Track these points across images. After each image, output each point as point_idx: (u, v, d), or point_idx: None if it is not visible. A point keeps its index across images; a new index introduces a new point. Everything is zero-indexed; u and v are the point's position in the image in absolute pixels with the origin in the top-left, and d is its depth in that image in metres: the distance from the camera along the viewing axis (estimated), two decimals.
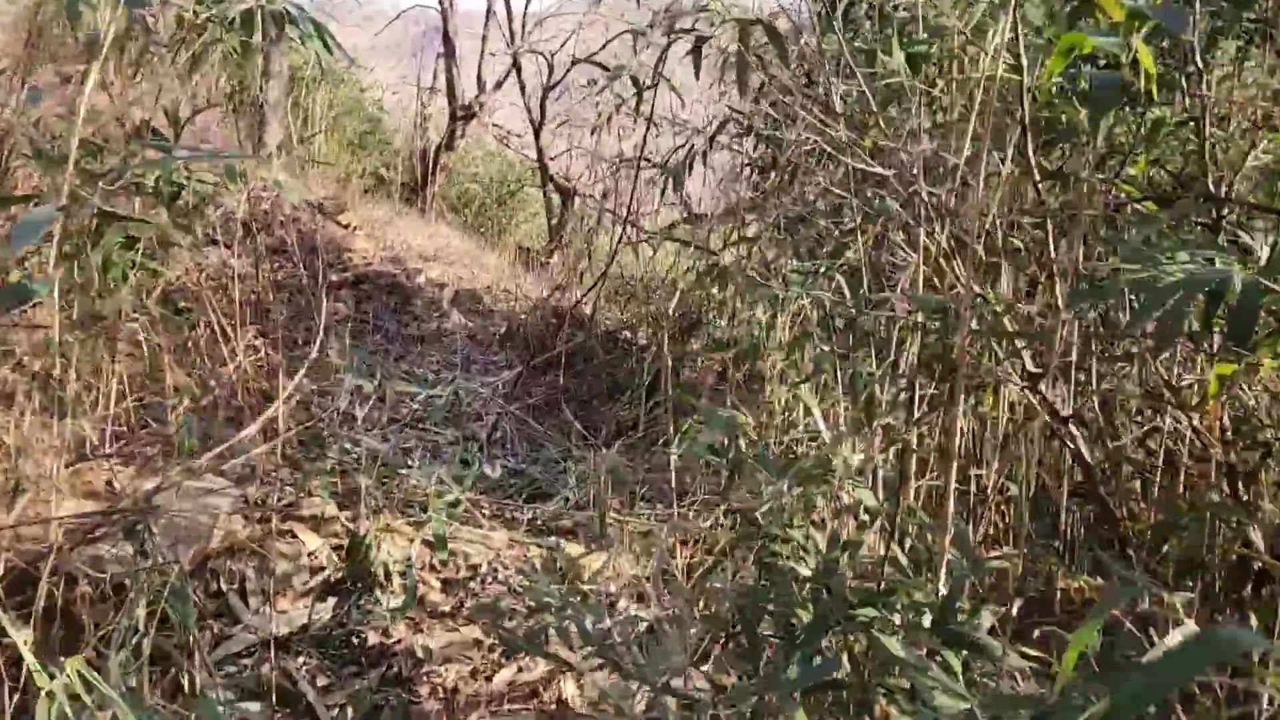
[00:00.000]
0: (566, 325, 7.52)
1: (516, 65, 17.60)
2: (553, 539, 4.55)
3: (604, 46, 17.16)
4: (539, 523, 4.76)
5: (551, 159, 18.59)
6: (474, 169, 19.62)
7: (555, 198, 18.09)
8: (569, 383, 6.78)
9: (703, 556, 4.04)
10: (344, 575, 3.85)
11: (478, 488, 5.11)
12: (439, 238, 13.76)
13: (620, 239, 8.27)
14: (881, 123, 3.70)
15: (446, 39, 19.25)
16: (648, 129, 7.20)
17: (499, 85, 19.87)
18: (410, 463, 5.15)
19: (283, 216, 7.46)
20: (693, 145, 6.36)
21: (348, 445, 5.10)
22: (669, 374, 5.35)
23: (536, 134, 17.32)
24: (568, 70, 16.93)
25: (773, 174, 5.81)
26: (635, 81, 6.73)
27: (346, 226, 8.26)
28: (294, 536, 3.94)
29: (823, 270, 4.22)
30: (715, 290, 6.66)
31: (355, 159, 18.83)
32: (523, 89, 17.70)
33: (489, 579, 4.10)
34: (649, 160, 9.47)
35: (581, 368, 7.06)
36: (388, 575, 3.82)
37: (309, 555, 3.89)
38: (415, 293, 8.00)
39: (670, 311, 6.64)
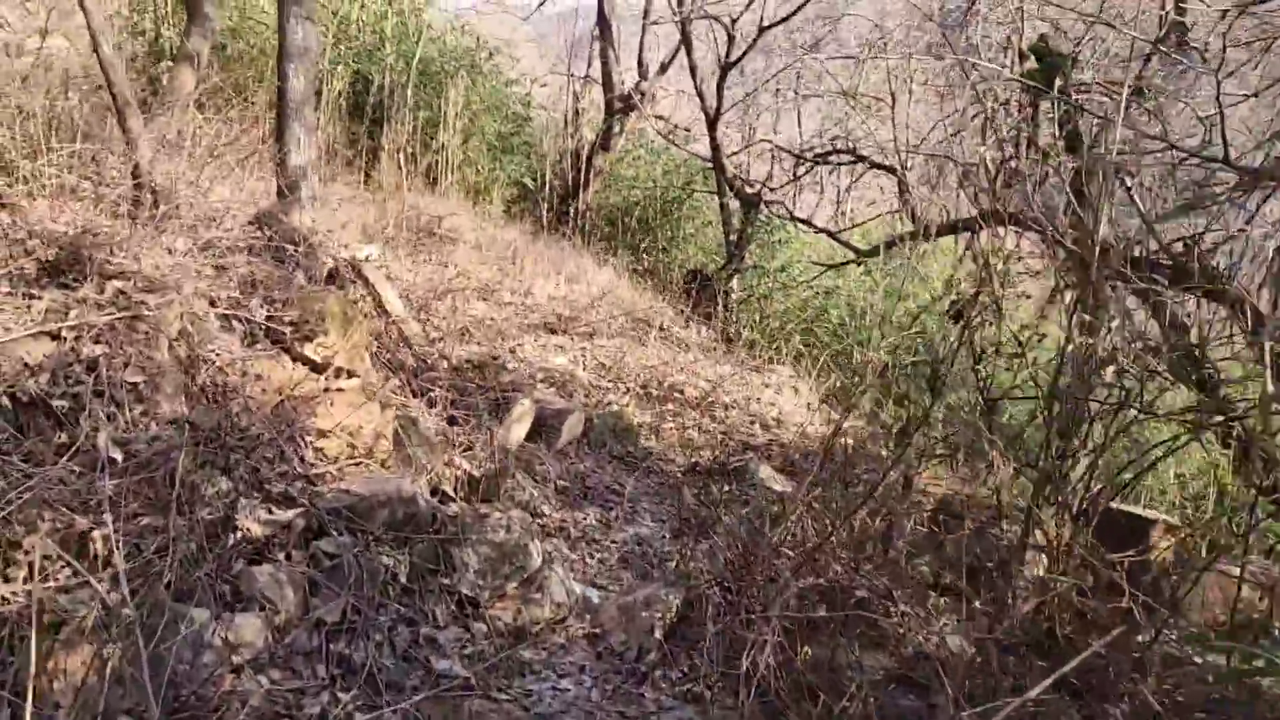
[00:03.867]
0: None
1: (685, 39, 12.44)
2: None
3: (801, 7, 11.80)
4: None
5: (729, 155, 13.42)
6: (633, 171, 14.58)
7: (734, 204, 12.93)
8: None
9: None
10: None
11: None
12: (581, 282, 8.80)
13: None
14: None
15: (601, 16, 14.26)
16: None
17: (664, 68, 14.64)
18: None
19: (140, 363, 2.66)
20: None
21: None
22: None
23: (711, 125, 12.13)
24: (754, 41, 11.68)
25: None
26: None
27: (320, 369, 3.31)
28: None
29: None
30: None
31: (496, 165, 14.10)
32: (693, 71, 12.53)
33: None
34: None
35: None
36: None
37: None
38: (477, 526, 3.03)
39: None
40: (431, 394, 4.38)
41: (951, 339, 4.93)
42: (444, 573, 2.93)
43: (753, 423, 5.87)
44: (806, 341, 11.08)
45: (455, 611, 2.94)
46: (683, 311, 10.02)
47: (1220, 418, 3.37)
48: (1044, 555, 3.35)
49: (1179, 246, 5.70)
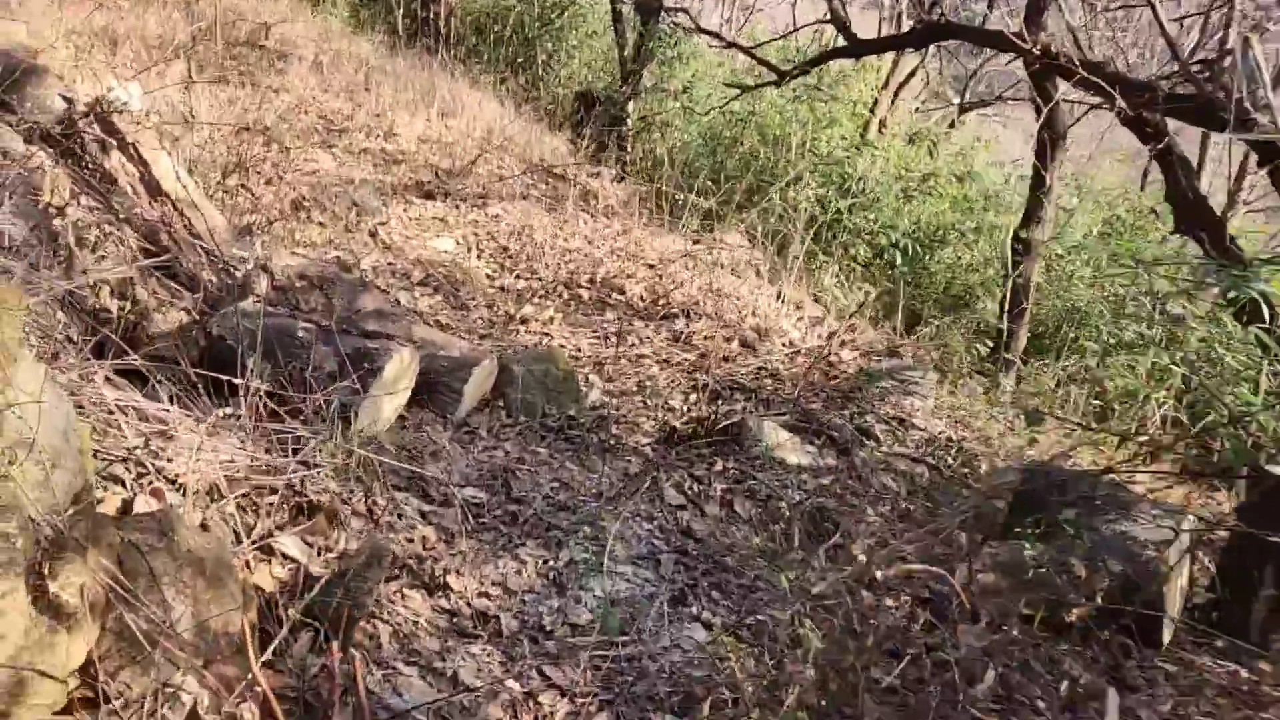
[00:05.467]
0: None
1: None
2: None
3: None
4: None
5: None
6: None
7: (629, 12, 10.53)
8: None
9: None
10: None
11: None
12: (459, 116, 6.47)
13: None
14: None
15: None
16: None
17: None
18: None
19: None
20: None
21: None
22: None
23: None
24: None
25: None
26: None
27: None
28: None
29: None
30: None
31: None
32: None
33: None
34: None
35: None
36: None
37: None
38: None
39: None
40: (235, 389, 2.29)
41: None
42: None
43: (729, 339, 4.00)
44: (714, 179, 9.13)
45: None
46: (579, 146, 7.86)
47: None
48: None
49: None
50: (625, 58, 10.49)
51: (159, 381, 2.14)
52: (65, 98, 3.20)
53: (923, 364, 4.14)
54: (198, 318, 2.83)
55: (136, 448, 1.87)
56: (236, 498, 1.93)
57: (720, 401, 3.45)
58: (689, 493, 2.96)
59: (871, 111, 10.63)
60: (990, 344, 6.21)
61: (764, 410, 3.45)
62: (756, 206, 6.97)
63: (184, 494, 1.88)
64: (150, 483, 1.85)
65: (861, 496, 3.17)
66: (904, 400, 3.89)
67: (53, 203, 2.32)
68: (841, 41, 8.95)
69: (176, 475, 1.89)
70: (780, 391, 3.63)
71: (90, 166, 3.10)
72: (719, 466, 3.13)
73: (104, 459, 1.82)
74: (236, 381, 2.21)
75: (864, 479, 3.28)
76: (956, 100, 13.38)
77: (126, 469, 1.85)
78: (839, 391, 3.78)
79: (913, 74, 12.34)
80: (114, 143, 3.12)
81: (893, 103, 11.00)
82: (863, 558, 2.79)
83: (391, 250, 4.06)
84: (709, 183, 8.76)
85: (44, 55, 3.34)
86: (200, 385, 2.41)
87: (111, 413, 1.88)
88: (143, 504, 1.78)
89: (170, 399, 2.12)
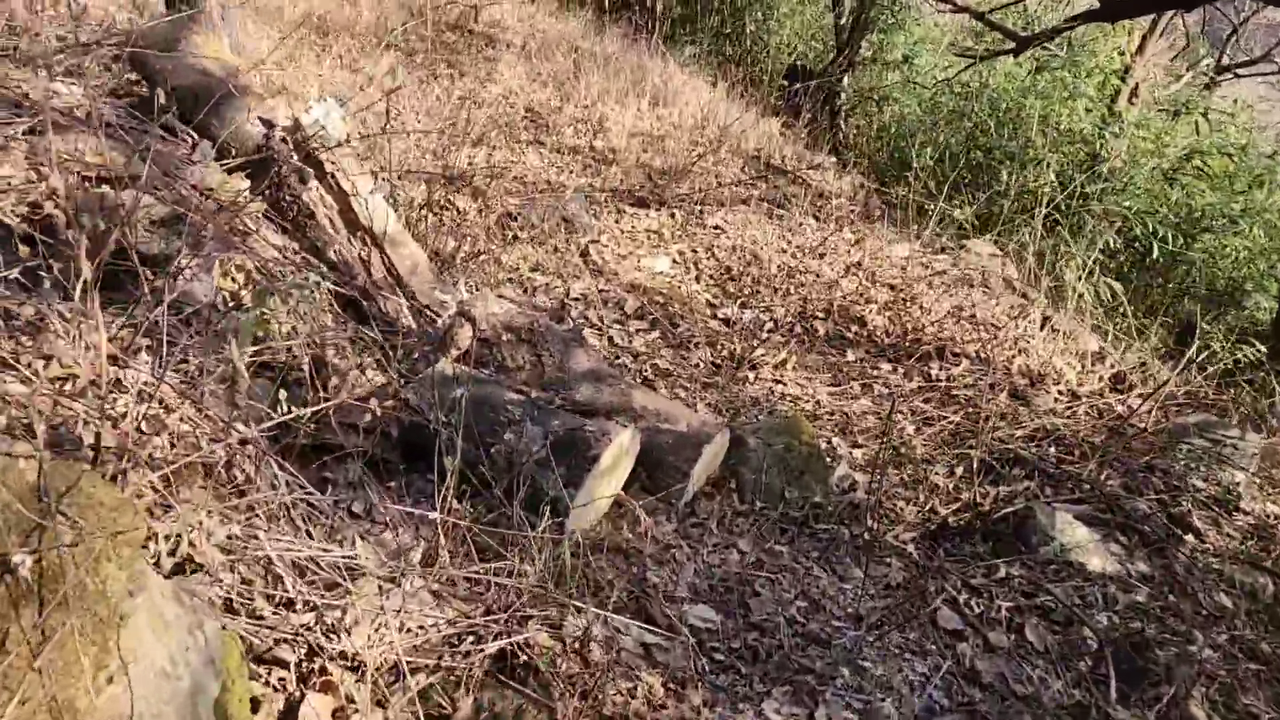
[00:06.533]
0: None
1: None
2: None
3: None
4: None
5: None
6: None
7: None
8: None
9: None
10: None
11: None
12: (672, 104, 5.92)
13: None
14: None
15: None
16: None
17: None
18: None
19: None
20: None
21: None
22: None
23: None
24: None
25: None
26: None
27: None
28: None
29: None
30: None
31: None
32: None
33: None
34: None
35: None
36: None
37: None
38: None
39: None
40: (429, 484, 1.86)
41: None
42: None
43: (996, 386, 3.29)
44: (938, 158, 8.17)
45: None
46: (794, 129, 7.16)
47: None
48: None
49: None
50: (841, 26, 9.68)
51: (346, 523, 1.72)
52: (264, 121, 2.87)
53: (1241, 422, 3.27)
54: (394, 379, 2.44)
55: (306, 625, 1.45)
56: (429, 681, 1.48)
57: (996, 481, 2.77)
58: (967, 613, 2.32)
59: (1122, 80, 9.26)
60: (1262, 349, 5.13)
61: (1051, 493, 2.74)
62: (1002, 205, 6.07)
63: (363, 676, 1.45)
64: (321, 667, 1.42)
65: (1188, 620, 2.42)
66: (1220, 472, 3.06)
67: (224, 287, 1.96)
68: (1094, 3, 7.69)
69: (355, 653, 1.46)
70: (1067, 464, 2.90)
71: (288, 200, 2.77)
72: (1001, 573, 2.47)
73: (265, 641, 1.41)
74: (432, 516, 1.76)
75: (1189, 592, 2.53)
76: (1212, 60, 11.60)
77: (293, 649, 1.43)
78: (1138, 460, 3.00)
79: (1163, 31, 10.76)
80: (311, 172, 2.77)
81: (1144, 68, 9.56)
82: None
83: (603, 274, 3.58)
84: (932, 163, 7.84)
85: (245, 70, 3.03)
86: (391, 486, 2.00)
87: (280, 578, 1.47)
88: (311, 708, 1.36)
89: (353, 539, 1.69)
